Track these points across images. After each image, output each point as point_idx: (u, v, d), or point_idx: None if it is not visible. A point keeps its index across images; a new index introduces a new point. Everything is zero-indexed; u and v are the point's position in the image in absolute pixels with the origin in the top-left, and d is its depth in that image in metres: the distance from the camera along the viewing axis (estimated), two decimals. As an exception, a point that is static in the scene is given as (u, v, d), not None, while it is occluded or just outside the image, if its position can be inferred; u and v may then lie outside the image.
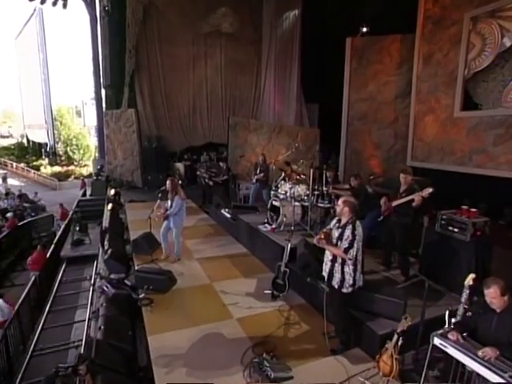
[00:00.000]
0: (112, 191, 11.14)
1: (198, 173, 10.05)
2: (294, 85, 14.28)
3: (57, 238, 8.91)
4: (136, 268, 4.87)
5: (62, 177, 23.22)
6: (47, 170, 24.76)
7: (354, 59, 11.47)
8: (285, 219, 5.58)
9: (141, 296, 4.30)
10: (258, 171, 7.96)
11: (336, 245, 3.37)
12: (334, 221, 3.54)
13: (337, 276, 3.40)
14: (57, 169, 24.78)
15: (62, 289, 6.56)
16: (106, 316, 3.68)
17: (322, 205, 5.49)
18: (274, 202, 5.88)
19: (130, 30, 12.40)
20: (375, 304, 3.57)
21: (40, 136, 27.04)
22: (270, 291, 4.40)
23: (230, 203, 8.20)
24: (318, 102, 14.56)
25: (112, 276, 5.38)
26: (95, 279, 5.78)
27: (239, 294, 4.47)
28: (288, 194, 5.80)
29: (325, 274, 3.52)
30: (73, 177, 23.57)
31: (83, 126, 29.10)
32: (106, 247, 6.19)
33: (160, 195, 5.65)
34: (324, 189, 5.55)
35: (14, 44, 30.71)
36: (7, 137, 36.50)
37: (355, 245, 3.29)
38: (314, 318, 3.91)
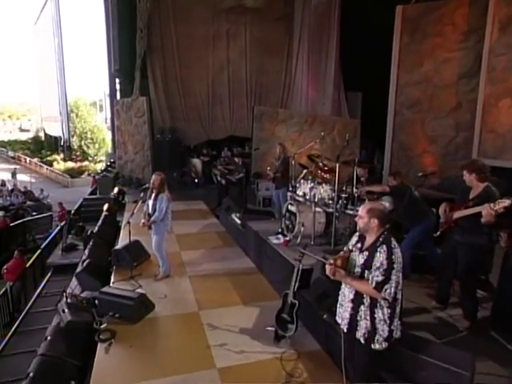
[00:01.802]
0: (115, 189, 10.89)
1: (214, 170, 9.49)
2: (332, 67, 13.26)
3: (46, 241, 8.70)
4: (103, 288, 4.29)
5: (74, 173, 23.88)
6: (60, 165, 25.63)
7: (406, 33, 10.27)
8: (302, 229, 4.74)
9: (102, 326, 3.68)
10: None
11: (361, 277, 2.52)
12: (355, 238, 2.67)
13: (363, 325, 2.51)
14: (70, 164, 25.56)
15: (40, 304, 6.20)
16: (42, 357, 3.07)
17: (351, 212, 4.58)
18: (289, 207, 5.05)
19: (141, 6, 12.07)
20: (421, 369, 2.61)
21: (56, 129, 28.15)
22: (272, 328, 3.59)
23: (244, 206, 7.50)
24: (362, 91, 13.46)
25: (83, 295, 4.85)
26: (59, 299, 5.32)
27: (232, 329, 3.70)
28: (308, 197, 4.95)
29: (340, 320, 2.65)
30: (86, 173, 24.12)
31: (105, 120, 29.87)
32: (84, 257, 5.70)
33: (142, 195, 5.06)
34: (354, 190, 4.63)
35: (33, 31, 32.34)
36: (27, 130, 38.65)
37: (393, 277, 2.41)
38: (330, 374, 3.03)
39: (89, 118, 28.70)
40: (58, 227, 9.53)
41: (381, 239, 2.49)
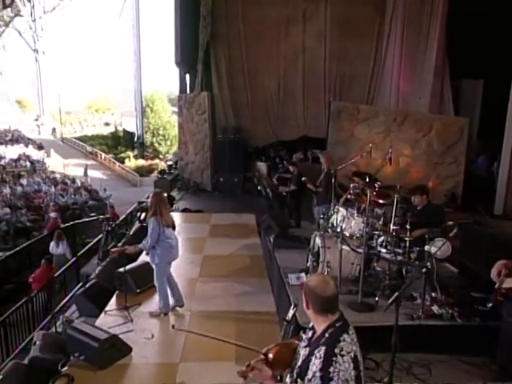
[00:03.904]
0: (164, 194, 11.33)
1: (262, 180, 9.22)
2: (433, 52, 11.85)
3: (84, 249, 9.39)
4: (74, 323, 4.29)
5: (144, 172, 25.90)
6: (131, 163, 28.09)
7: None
8: (328, 270, 4.11)
9: (63, 369, 3.65)
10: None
11: None
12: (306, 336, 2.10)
13: None
14: (140, 162, 27.83)
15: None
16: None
17: (388, 256, 3.81)
18: (316, 239, 4.45)
19: (205, -11, 12.37)
20: None
21: (132, 125, 31.02)
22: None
23: (287, 227, 7.05)
24: (483, 78, 11.81)
25: (79, 320, 4.98)
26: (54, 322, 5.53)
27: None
28: (336, 229, 4.30)
29: None
30: (156, 172, 25.92)
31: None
32: (92, 275, 5.91)
33: (139, 215, 4.98)
34: (391, 227, 3.82)
35: (118, 23, 36.16)
36: (109, 125, 43.51)
37: None
38: None
39: (163, 113, 30.84)
40: (100, 235, 10.17)
41: (326, 335, 1.90)
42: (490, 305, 3.12)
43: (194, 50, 13.36)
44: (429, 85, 11.90)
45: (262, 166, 14.00)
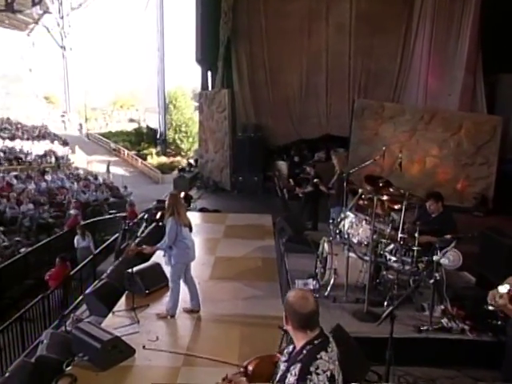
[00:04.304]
0: (181, 194, 11.49)
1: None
2: (465, 46, 11.53)
3: (100, 248, 9.66)
4: (80, 323, 4.42)
5: (166, 169, 26.35)
6: (153, 159, 28.61)
7: None
8: (334, 277, 4.08)
9: (67, 369, 3.79)
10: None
11: None
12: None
13: None
14: (162, 159, 28.30)
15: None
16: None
17: (396, 265, 3.73)
18: (325, 245, 4.42)
19: (227, -15, 12.43)
20: None
21: (155, 121, 31.56)
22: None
23: (302, 229, 7.04)
24: None
25: (88, 320, 5.15)
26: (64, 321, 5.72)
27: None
28: (343, 236, 4.26)
29: None
30: (177, 169, 26.33)
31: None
32: (104, 275, 6.09)
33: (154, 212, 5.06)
34: (399, 235, 3.74)
35: (142, 20, 36.71)
36: (135, 121, 44.39)
37: None
38: None
39: (186, 109, 31.23)
40: (116, 234, 10.44)
41: (304, 352, 1.90)
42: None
43: (214, 47, 13.51)
44: (459, 81, 11.59)
45: (282, 166, 14.01)
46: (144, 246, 4.97)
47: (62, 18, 41.71)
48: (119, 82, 52.65)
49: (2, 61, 53.05)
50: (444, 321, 3.61)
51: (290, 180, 9.42)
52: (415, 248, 3.82)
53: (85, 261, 8.71)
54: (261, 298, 5.41)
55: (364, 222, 4.29)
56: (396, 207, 4.62)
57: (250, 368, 2.07)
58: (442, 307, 3.66)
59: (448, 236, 3.86)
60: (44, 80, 51.29)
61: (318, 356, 1.87)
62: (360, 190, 4.37)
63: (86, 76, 48.03)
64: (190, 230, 4.89)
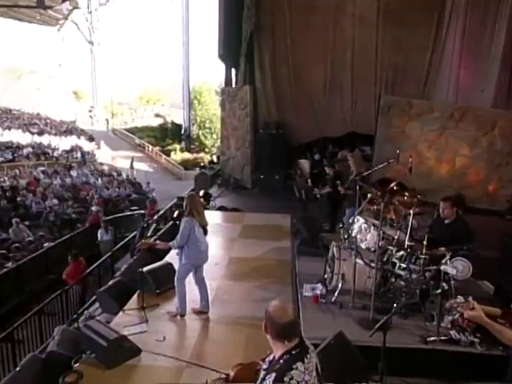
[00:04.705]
0: (201, 192, 11.66)
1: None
2: (501, 39, 11.12)
3: (119, 245, 9.91)
4: (89, 321, 4.60)
5: (189, 165, 26.74)
6: (177, 155, 29.06)
7: None
8: (342, 283, 4.08)
9: (75, 365, 3.98)
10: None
11: None
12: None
13: None
14: (186, 155, 28.69)
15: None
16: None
17: (402, 273, 3.68)
18: (334, 249, 4.42)
19: (250, -22, 12.42)
20: None
21: (180, 117, 32.04)
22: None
23: (318, 231, 7.04)
24: None
25: (100, 317, 5.36)
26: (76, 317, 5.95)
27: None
28: (351, 241, 4.24)
29: None
30: (198, 167, 26.67)
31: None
32: (117, 273, 6.29)
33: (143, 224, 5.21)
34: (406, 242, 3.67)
35: (168, 14, 37.17)
36: (160, 116, 45.24)
37: None
38: None
39: (211, 105, 31.50)
40: (135, 231, 10.74)
41: (281, 361, 1.95)
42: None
43: (237, 43, 13.58)
44: (494, 76, 11.18)
45: (304, 164, 13.99)
46: (158, 242, 5.11)
47: (91, 13, 42.91)
48: (146, 77, 53.72)
49: (33, 57, 55.20)
50: (452, 332, 3.56)
51: (308, 180, 9.40)
52: (422, 256, 3.77)
53: (102, 258, 8.99)
54: (270, 301, 5.45)
55: (372, 227, 4.27)
56: (411, 212, 4.56)
57: (232, 374, 2.15)
58: (450, 318, 3.61)
59: (442, 249, 3.79)
60: (73, 75, 52.98)
61: (294, 366, 1.92)
62: (369, 195, 4.35)
63: (113, 71, 49.25)
64: (205, 232, 5.00)
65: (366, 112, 13.50)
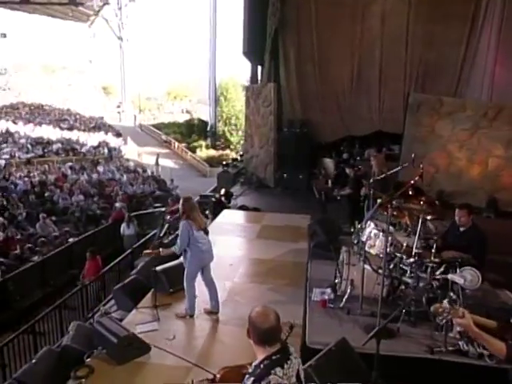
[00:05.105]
0: (222, 190, 11.85)
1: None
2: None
3: (138, 243, 10.23)
4: (101, 318, 4.82)
5: (214, 162, 27.06)
6: (202, 152, 29.45)
7: None
8: (351, 289, 4.11)
9: (87, 360, 4.20)
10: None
11: None
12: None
13: None
14: (211, 152, 29.05)
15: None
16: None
17: (409, 281, 3.67)
18: (344, 254, 4.45)
19: (276, -27, 12.42)
20: None
21: (206, 113, 32.43)
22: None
23: (336, 234, 7.06)
24: None
25: (115, 314, 5.60)
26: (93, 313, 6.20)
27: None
28: (361, 246, 4.24)
29: None
30: (221, 165, 26.88)
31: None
32: (134, 271, 6.53)
33: (167, 218, 5.35)
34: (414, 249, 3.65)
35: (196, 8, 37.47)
36: (188, 112, 45.97)
37: None
38: None
39: (237, 101, 31.66)
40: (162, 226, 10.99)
41: (261, 366, 2.03)
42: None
43: (262, 40, 13.62)
44: (533, 73, 10.83)
45: (329, 163, 13.96)
46: (161, 249, 5.27)
47: (120, 9, 44.00)
48: (174, 73, 54.61)
49: (65, 53, 57.13)
50: (461, 343, 3.54)
51: (329, 181, 9.39)
52: (430, 264, 3.76)
53: (123, 254, 9.30)
54: (282, 304, 5.47)
55: (381, 233, 4.27)
56: (429, 217, 4.54)
57: (218, 376, 2.26)
58: (458, 329, 3.59)
59: (450, 255, 3.76)
60: (102, 71, 54.50)
61: (272, 371, 2.01)
62: (379, 200, 4.35)
63: (142, 67, 50.36)
64: (206, 233, 5.12)
65: (395, 110, 13.28)
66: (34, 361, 4.29)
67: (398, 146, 13.27)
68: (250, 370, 2.23)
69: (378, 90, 13.60)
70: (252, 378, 2.06)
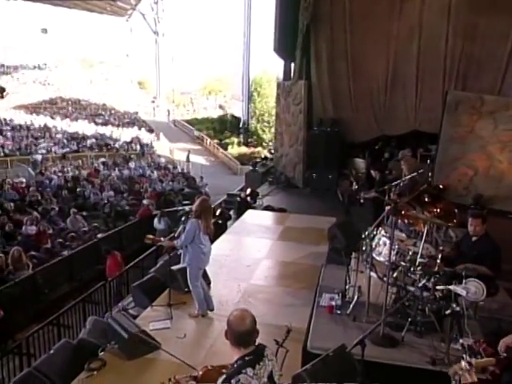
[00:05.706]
0: (248, 190, 12.06)
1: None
2: None
3: (167, 238, 10.56)
4: (115, 314, 5.13)
5: (245, 159, 27.33)
6: (234, 149, 29.74)
7: None
8: (358, 296, 4.21)
9: (101, 353, 4.54)
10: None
11: None
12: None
13: None
14: (243, 149, 29.29)
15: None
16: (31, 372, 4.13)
17: (413, 290, 3.70)
18: (352, 260, 4.54)
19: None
20: None
21: (239, 109, 32.74)
22: None
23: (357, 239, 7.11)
24: None
25: (133, 310, 5.96)
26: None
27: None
28: (368, 252, 4.31)
29: None
30: (250, 163, 27.02)
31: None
32: (152, 269, 6.87)
33: (183, 219, 5.59)
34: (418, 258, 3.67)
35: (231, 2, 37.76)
36: (222, 108, 46.51)
37: None
38: None
39: (270, 97, 31.65)
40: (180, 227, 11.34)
41: (235, 366, 2.23)
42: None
43: (293, 36, 13.69)
44: None
45: (359, 164, 13.88)
46: (162, 238, 5.56)
47: (156, 3, 45.11)
48: (209, 68, 55.35)
49: (103, 47, 59.19)
50: (465, 356, 3.57)
51: (353, 183, 9.40)
52: (433, 274, 3.81)
53: (146, 252, 9.72)
54: (294, 307, 5.67)
55: (388, 242, 4.34)
56: (426, 226, 4.59)
57: (200, 373, 2.48)
58: (461, 341, 3.62)
59: (461, 267, 3.78)
60: (138, 65, 56.06)
61: (244, 371, 2.21)
62: (387, 208, 4.40)
63: (177, 61, 51.34)
64: (210, 238, 5.38)
65: (433, 109, 12.94)
66: (51, 351, 4.68)
67: (435, 146, 13.03)
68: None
69: (415, 87, 13.30)
70: (224, 376, 2.27)
